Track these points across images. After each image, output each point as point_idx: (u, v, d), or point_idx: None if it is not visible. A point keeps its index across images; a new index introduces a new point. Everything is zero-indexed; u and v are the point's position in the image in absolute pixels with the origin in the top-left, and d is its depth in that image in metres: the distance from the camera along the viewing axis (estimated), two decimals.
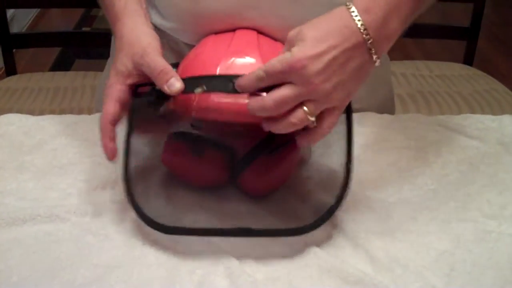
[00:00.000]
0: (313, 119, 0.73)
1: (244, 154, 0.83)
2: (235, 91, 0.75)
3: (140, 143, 0.87)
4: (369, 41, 0.72)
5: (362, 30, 0.72)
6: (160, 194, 0.86)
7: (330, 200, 0.78)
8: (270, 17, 0.90)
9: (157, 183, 0.88)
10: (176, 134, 0.86)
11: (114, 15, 0.88)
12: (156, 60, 0.79)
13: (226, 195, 0.86)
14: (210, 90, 0.76)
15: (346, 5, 0.73)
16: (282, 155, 0.84)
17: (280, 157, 0.84)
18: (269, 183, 0.86)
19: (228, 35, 0.88)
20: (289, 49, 0.73)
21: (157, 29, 0.90)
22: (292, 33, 0.74)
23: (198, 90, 0.75)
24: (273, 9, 0.90)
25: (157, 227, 0.76)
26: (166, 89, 0.77)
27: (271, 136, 0.79)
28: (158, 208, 0.82)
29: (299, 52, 0.71)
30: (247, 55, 0.82)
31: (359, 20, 0.72)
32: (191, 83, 0.77)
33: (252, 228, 0.76)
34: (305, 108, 0.72)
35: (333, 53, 0.71)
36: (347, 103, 0.76)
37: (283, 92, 0.72)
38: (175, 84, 0.76)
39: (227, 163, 0.84)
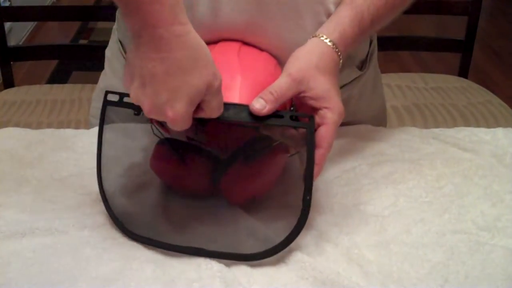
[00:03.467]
0: None
1: (225, 158, 0.84)
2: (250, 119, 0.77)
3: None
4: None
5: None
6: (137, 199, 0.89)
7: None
8: (273, 37, 0.92)
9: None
10: (164, 140, 0.87)
11: (172, 12, 0.72)
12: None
13: (205, 207, 0.87)
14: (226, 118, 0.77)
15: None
16: (263, 162, 0.85)
17: (261, 164, 0.85)
18: (248, 190, 0.86)
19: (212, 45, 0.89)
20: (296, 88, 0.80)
21: None
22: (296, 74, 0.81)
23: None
24: (277, 31, 0.92)
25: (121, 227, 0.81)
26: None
27: (251, 141, 0.81)
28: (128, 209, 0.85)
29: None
30: (226, 61, 0.84)
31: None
32: None
33: (204, 248, 0.78)
34: None
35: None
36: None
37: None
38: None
39: (212, 170, 0.86)
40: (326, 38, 0.86)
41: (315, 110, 0.81)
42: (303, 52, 0.85)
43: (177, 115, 0.72)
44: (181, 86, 0.71)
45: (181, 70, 0.71)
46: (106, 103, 0.83)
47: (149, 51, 0.72)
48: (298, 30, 0.92)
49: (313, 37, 0.87)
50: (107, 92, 0.82)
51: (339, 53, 0.86)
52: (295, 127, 0.80)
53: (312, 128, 0.78)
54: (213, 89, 0.73)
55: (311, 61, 0.83)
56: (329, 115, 0.80)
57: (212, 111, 0.75)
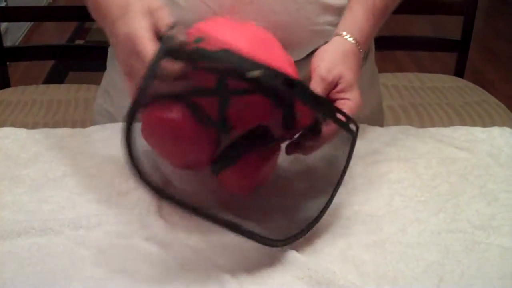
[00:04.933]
0: None
1: (227, 147, 0.81)
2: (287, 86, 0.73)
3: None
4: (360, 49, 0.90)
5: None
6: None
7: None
8: (264, 12, 0.93)
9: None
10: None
11: None
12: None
13: None
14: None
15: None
16: (263, 153, 0.84)
17: (262, 156, 0.84)
18: (246, 181, 0.85)
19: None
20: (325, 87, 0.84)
21: None
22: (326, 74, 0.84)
23: (254, 73, 0.70)
24: (267, 4, 0.93)
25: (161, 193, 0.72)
26: None
27: (259, 132, 0.80)
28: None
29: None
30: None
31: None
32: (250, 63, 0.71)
33: (242, 226, 0.75)
34: None
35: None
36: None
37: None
38: None
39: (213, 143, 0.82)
40: (349, 37, 0.90)
41: (337, 100, 0.85)
42: (330, 52, 0.88)
43: (131, 30, 0.76)
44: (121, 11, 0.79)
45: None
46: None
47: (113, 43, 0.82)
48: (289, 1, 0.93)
49: (335, 35, 0.90)
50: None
51: (360, 50, 0.90)
52: (343, 127, 0.82)
53: (356, 138, 0.84)
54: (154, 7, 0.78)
55: (338, 60, 0.86)
56: (349, 104, 0.84)
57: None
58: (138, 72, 0.74)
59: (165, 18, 0.78)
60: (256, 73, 0.69)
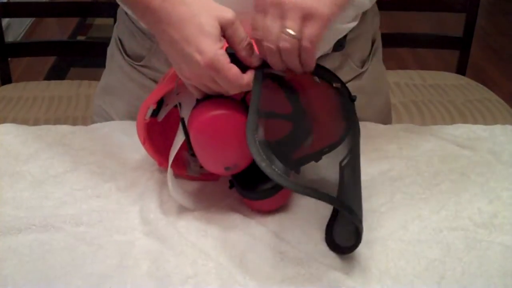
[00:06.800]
0: (293, 33, 0.75)
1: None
2: None
3: None
4: None
5: None
6: None
7: None
8: None
9: None
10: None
11: None
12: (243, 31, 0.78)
13: None
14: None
15: None
16: None
17: None
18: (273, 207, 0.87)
19: None
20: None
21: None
22: None
23: None
24: None
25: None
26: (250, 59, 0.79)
27: None
28: None
29: None
30: None
31: None
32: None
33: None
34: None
35: None
36: (328, 8, 0.77)
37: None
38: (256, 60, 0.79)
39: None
40: None
41: None
42: None
43: (208, 56, 0.75)
44: (193, 31, 0.75)
45: (185, 21, 0.76)
46: None
47: (160, 31, 0.78)
48: None
49: None
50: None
51: None
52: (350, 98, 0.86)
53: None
54: (227, 20, 0.76)
55: None
56: None
57: (241, 42, 0.77)
58: (210, 83, 0.78)
59: (240, 34, 0.77)
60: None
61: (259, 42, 0.78)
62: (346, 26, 0.97)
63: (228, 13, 0.77)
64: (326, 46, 0.99)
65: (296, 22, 0.75)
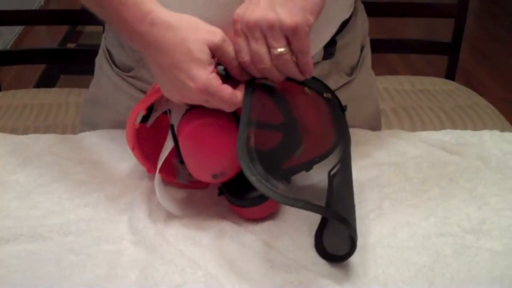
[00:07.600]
0: (282, 49, 0.76)
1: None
2: None
3: None
4: None
5: None
6: None
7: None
8: None
9: None
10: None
11: (137, 10, 0.77)
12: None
13: None
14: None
15: None
16: None
17: None
18: (260, 215, 0.87)
19: None
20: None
21: None
22: None
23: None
24: None
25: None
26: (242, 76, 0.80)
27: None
28: None
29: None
30: None
31: None
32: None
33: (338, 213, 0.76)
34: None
35: None
36: (302, 19, 0.75)
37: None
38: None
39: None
40: None
41: None
42: None
43: (200, 82, 0.75)
44: (183, 58, 0.75)
45: (174, 47, 0.75)
46: None
47: (148, 55, 0.78)
48: None
49: None
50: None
51: None
52: (340, 108, 0.88)
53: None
54: (216, 44, 0.76)
55: None
56: None
57: (232, 61, 0.78)
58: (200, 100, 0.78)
59: (230, 54, 0.78)
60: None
61: (247, 64, 0.78)
62: (342, 15, 0.99)
63: (216, 36, 0.76)
64: (321, 42, 0.99)
65: (281, 40, 0.76)
